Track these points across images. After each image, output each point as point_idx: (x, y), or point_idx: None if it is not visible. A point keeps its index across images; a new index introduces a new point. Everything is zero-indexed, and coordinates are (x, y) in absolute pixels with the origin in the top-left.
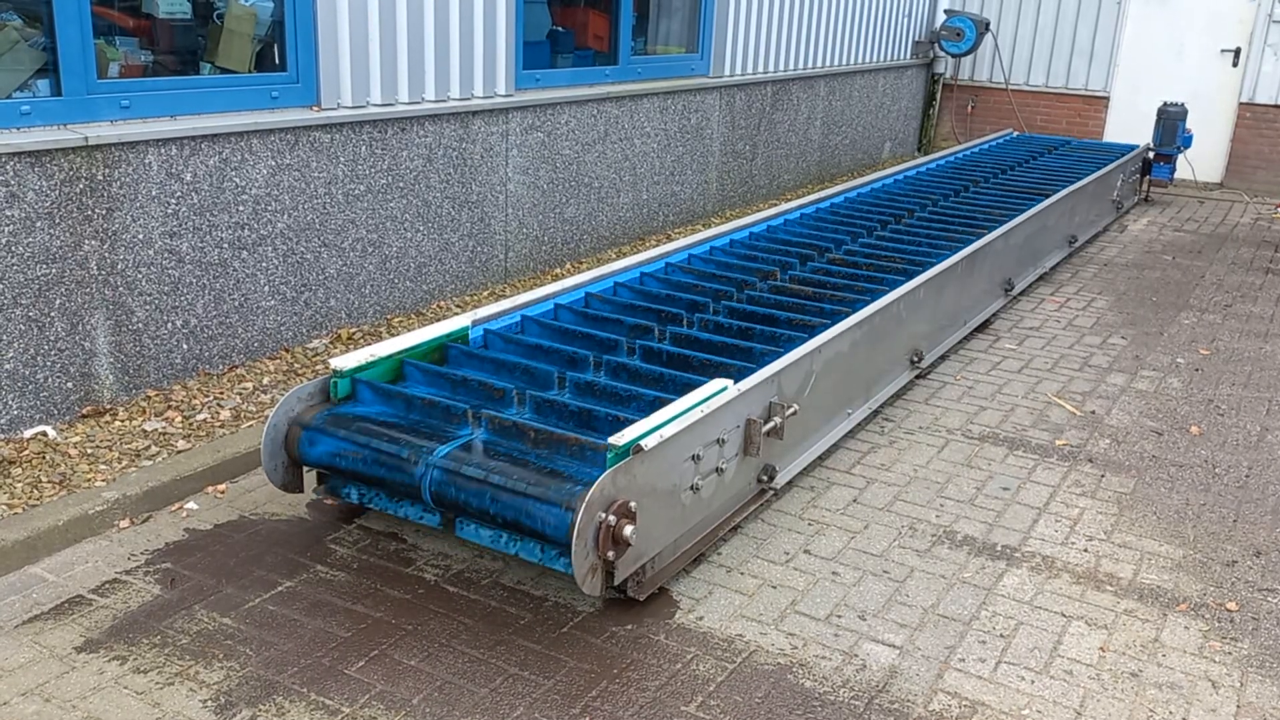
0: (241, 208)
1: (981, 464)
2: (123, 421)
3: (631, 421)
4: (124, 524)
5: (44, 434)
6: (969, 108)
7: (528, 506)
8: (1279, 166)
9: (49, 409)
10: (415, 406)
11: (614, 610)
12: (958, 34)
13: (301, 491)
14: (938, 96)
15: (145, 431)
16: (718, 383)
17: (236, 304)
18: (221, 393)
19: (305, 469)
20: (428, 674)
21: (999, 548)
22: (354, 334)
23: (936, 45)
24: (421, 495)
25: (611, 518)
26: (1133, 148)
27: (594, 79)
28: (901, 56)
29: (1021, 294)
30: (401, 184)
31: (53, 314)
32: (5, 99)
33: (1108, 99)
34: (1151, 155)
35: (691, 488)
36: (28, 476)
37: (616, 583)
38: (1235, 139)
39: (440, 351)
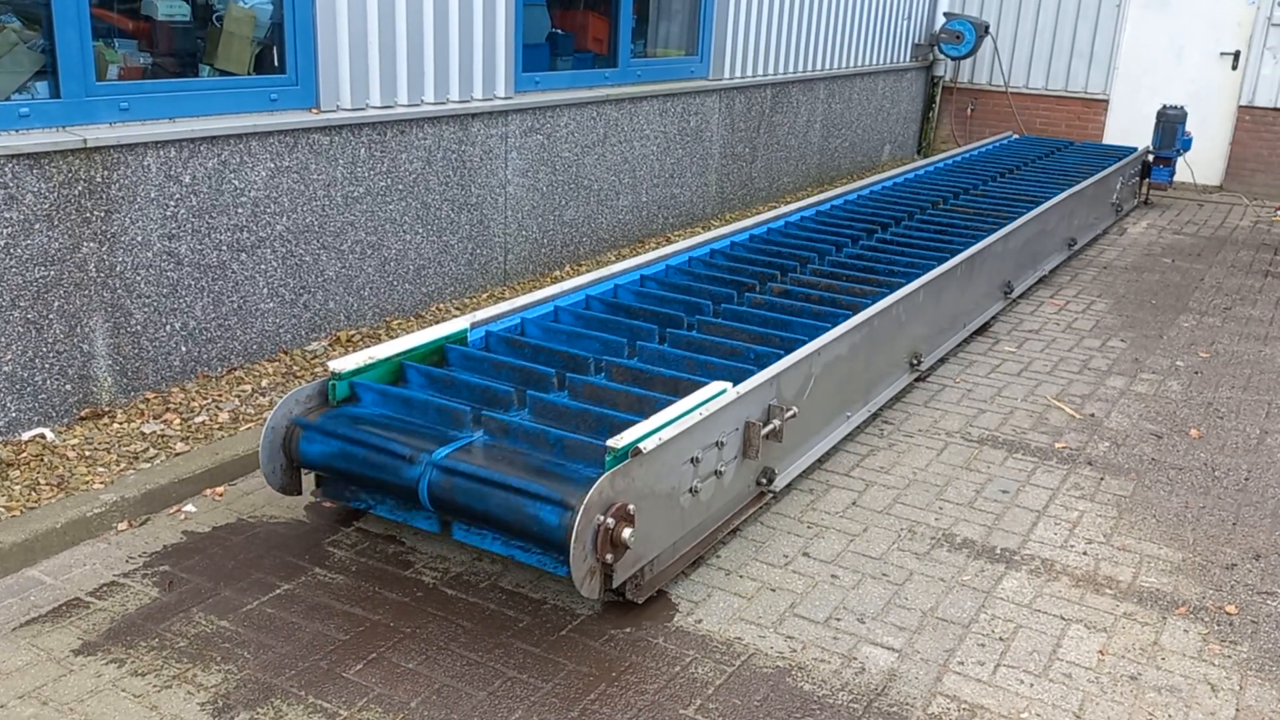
0: (240, 210)
1: (981, 467)
2: (121, 424)
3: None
4: (122, 526)
5: (42, 436)
6: (969, 110)
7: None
8: (1278, 169)
9: (47, 411)
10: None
11: (613, 613)
12: (957, 37)
13: (300, 494)
14: (937, 99)
15: (143, 434)
16: (716, 385)
17: (235, 306)
18: (220, 395)
19: (304, 471)
20: (426, 677)
21: (998, 551)
22: (353, 336)
23: (936, 48)
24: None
25: (610, 520)
26: (1132, 150)
27: (593, 81)
28: (901, 59)
29: (1021, 297)
30: (400, 186)
31: (51, 316)
32: (4, 101)
33: (1107, 101)
34: (1151, 158)
35: (690, 490)
36: (26, 479)
37: (615, 586)
38: (1234, 142)
39: (439, 354)
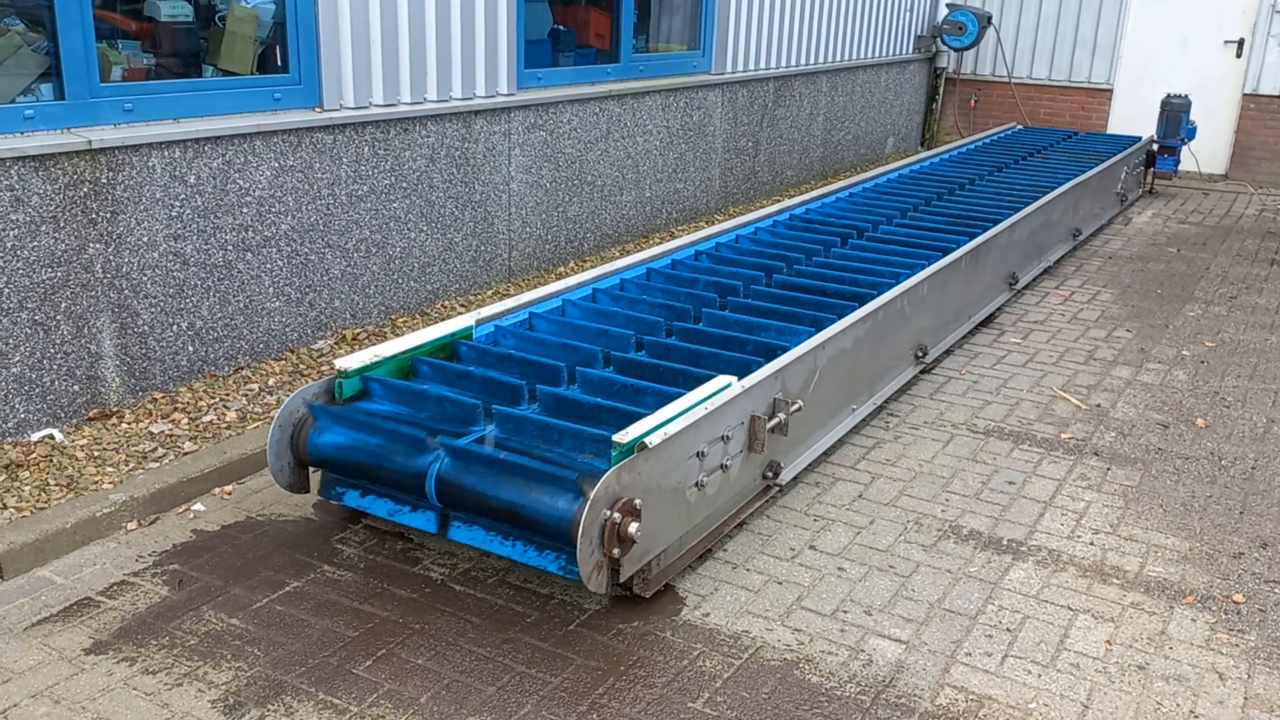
0: (245, 209)
1: (987, 458)
2: (129, 424)
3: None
4: (131, 526)
5: (51, 437)
6: (972, 102)
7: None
8: None
9: (56, 412)
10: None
11: (620, 607)
12: (960, 28)
13: (308, 492)
14: (940, 91)
15: (152, 434)
16: (721, 379)
17: (241, 306)
18: (227, 394)
19: (311, 469)
20: (435, 672)
21: (1005, 542)
22: (359, 334)
23: (939, 39)
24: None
25: (616, 515)
26: (1136, 140)
27: (596, 77)
28: (904, 51)
29: (1026, 288)
30: (405, 184)
31: (58, 317)
32: (9, 103)
33: (1111, 91)
34: (1155, 147)
35: (696, 484)
36: (35, 479)
37: (622, 580)
38: (1239, 130)
39: (445, 350)
